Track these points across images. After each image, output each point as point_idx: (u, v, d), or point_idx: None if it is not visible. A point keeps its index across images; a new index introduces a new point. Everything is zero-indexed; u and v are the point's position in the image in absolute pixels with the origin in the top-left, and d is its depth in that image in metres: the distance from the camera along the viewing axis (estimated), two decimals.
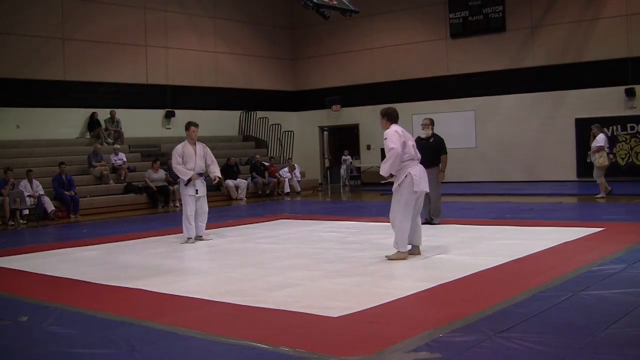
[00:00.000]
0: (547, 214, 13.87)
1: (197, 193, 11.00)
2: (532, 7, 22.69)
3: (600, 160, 16.30)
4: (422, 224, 11.83)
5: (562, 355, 4.55)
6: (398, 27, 25.59)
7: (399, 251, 8.55)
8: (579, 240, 9.63)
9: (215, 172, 11.44)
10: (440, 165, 12.02)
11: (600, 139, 16.46)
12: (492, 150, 23.35)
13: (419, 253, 8.78)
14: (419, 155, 8.79)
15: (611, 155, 16.80)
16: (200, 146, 11.37)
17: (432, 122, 12.30)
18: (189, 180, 10.95)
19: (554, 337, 4.95)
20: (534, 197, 17.81)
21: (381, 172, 8.76)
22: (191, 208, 10.95)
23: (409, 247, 8.63)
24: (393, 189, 8.72)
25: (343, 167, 26.21)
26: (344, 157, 26.35)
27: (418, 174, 8.53)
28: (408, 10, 25.21)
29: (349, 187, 25.52)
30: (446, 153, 12.13)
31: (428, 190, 8.86)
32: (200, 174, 11.13)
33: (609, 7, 21.41)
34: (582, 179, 21.48)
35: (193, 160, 11.14)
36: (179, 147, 11.26)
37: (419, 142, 12.26)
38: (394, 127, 8.63)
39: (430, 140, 12.12)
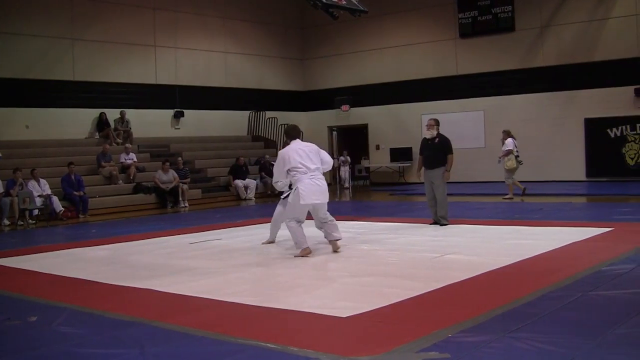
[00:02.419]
0: (556, 213, 13.84)
1: None
2: (541, 6, 22.63)
3: (508, 163, 17.40)
4: (431, 224, 11.92)
5: (571, 356, 4.53)
6: (407, 27, 25.58)
7: (300, 249, 9.17)
8: (588, 240, 9.61)
9: None
10: (446, 165, 11.99)
11: (509, 143, 17.53)
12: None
13: (336, 248, 9.42)
14: (317, 165, 9.17)
15: (519, 158, 17.58)
16: None
17: (437, 123, 12.27)
18: None
19: (563, 337, 4.94)
20: (543, 197, 17.77)
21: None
22: None
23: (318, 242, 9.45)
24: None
25: (342, 170, 25.37)
26: (342, 158, 25.55)
27: (306, 188, 9.04)
28: (417, 10, 25.19)
29: (349, 190, 24.62)
30: (452, 153, 12.09)
31: (318, 202, 9.18)
32: None
33: (619, 6, 21.34)
34: (591, 179, 21.44)
35: None
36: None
37: (425, 142, 12.30)
38: (285, 150, 9.40)
39: (436, 141, 12.10)
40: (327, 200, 9.36)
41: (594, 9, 21.71)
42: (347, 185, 25.33)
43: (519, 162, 17.53)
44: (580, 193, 18.45)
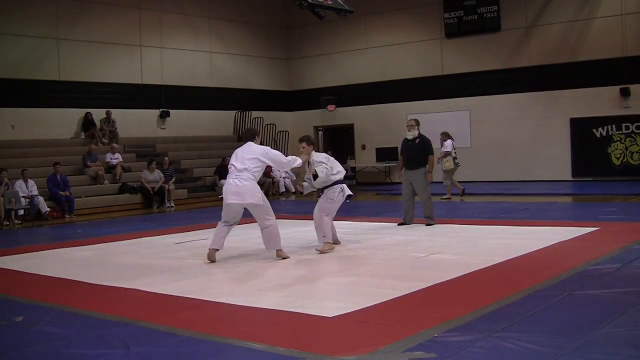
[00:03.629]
0: (542, 213, 13.89)
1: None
2: (527, 6, 22.70)
3: (446, 164, 18.00)
4: (399, 224, 11.95)
5: (557, 355, 4.55)
6: (393, 26, 25.59)
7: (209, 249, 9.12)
8: (574, 240, 9.65)
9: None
10: (427, 165, 12.00)
11: (447, 145, 18.14)
12: (487, 150, 23.35)
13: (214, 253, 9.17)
14: (245, 166, 9.08)
15: (457, 160, 18.08)
16: None
17: (417, 123, 12.27)
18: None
19: (549, 336, 4.96)
20: (528, 196, 17.84)
21: None
22: None
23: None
24: None
25: None
26: None
27: (225, 188, 9.13)
28: (403, 10, 25.21)
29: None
30: (433, 153, 12.11)
31: (234, 202, 8.99)
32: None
33: (604, 6, 21.43)
34: (577, 179, 21.53)
35: None
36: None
37: (405, 143, 12.30)
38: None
39: (417, 141, 12.09)
40: (248, 202, 8.90)
41: (579, 9, 21.80)
42: None
43: (457, 164, 18.04)
44: (566, 193, 18.53)
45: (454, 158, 17.93)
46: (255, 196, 8.92)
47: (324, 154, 9.97)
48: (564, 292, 6.35)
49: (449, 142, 18.15)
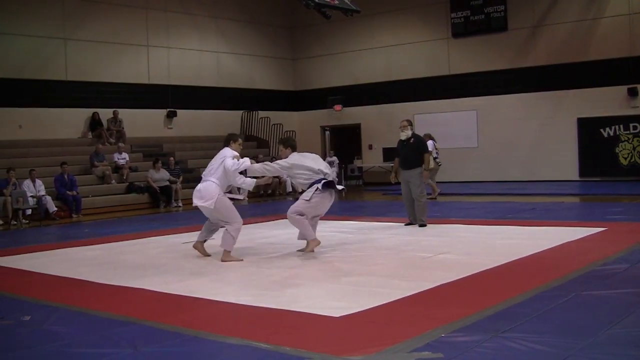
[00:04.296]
0: (548, 213, 13.86)
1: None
2: (534, 6, 22.67)
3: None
4: (406, 224, 11.94)
5: (564, 356, 4.54)
6: (399, 26, 25.59)
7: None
8: (581, 240, 9.62)
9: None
10: (423, 165, 12.00)
11: (429, 145, 17.92)
12: (494, 150, 23.32)
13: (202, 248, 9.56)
14: (209, 170, 9.21)
15: (438, 160, 18.30)
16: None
17: (410, 123, 12.31)
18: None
19: (556, 337, 4.95)
20: (535, 196, 17.81)
21: None
22: None
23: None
24: None
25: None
26: (328, 159, 24.42)
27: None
28: (409, 9, 25.20)
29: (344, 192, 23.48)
30: (428, 152, 12.14)
31: (196, 204, 9.13)
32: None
33: (612, 6, 21.39)
34: (584, 179, 21.47)
35: None
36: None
37: (400, 143, 12.32)
38: None
39: (411, 141, 12.10)
40: (205, 205, 8.98)
41: (586, 9, 21.76)
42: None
43: (438, 164, 18.22)
44: (573, 193, 18.50)
45: (435, 158, 18.02)
46: (207, 200, 8.95)
47: (296, 155, 9.67)
48: (570, 292, 6.33)
49: (430, 142, 18.13)
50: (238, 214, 9.17)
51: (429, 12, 24.79)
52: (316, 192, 9.33)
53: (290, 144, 9.86)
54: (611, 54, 21.24)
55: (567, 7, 22.13)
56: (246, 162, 9.21)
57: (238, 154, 9.25)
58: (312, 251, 9.44)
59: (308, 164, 9.49)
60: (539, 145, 22.48)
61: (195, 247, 9.53)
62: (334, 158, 24.70)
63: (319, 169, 9.45)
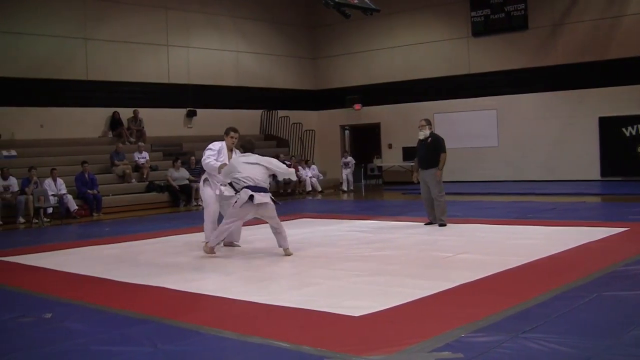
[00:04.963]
0: (569, 213, 13.75)
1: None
2: (554, 4, 22.51)
3: None
4: (426, 224, 11.90)
5: (585, 357, 4.51)
6: (419, 25, 25.52)
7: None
8: (602, 241, 9.55)
9: None
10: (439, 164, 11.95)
11: None
12: (514, 149, 23.21)
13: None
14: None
15: None
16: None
17: (428, 123, 12.25)
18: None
19: (577, 338, 4.91)
20: (556, 196, 17.68)
21: None
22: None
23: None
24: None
25: (346, 172, 24.19)
26: (344, 160, 24.49)
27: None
28: (429, 8, 25.12)
29: (346, 194, 23.17)
30: (445, 151, 12.02)
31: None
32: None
33: (633, 4, 21.19)
34: (606, 179, 21.30)
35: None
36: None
37: (419, 143, 12.29)
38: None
39: (428, 140, 12.05)
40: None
41: (607, 7, 21.57)
42: (347, 188, 23.96)
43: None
44: (594, 192, 18.34)
45: None
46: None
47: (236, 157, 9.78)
48: (592, 293, 6.28)
49: None
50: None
51: (448, 10, 24.70)
52: (237, 199, 9.18)
53: (249, 147, 9.82)
54: (633, 52, 21.02)
55: (588, 5, 21.95)
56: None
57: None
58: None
59: (239, 168, 9.27)
60: (560, 144, 22.33)
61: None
62: (349, 159, 24.63)
63: (245, 176, 9.14)
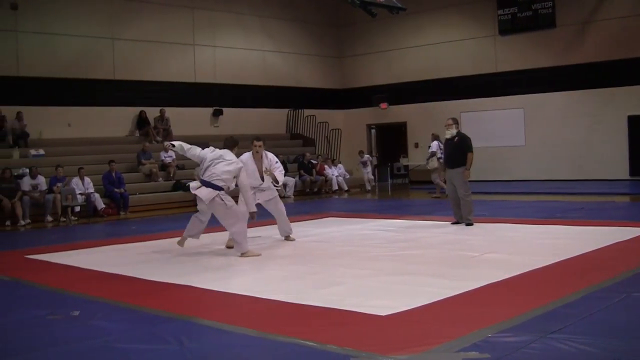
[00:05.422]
0: (598, 213, 13.62)
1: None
2: (582, 2, 22.31)
3: (430, 163, 19.05)
4: (453, 223, 11.83)
5: (614, 358, 4.46)
6: (445, 24, 25.42)
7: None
8: (631, 240, 9.45)
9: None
10: (466, 164, 11.85)
11: (433, 146, 18.91)
12: (541, 148, 23.04)
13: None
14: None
15: (442, 160, 17.42)
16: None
17: (455, 122, 12.16)
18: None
19: (605, 339, 4.86)
20: (584, 196, 17.50)
21: None
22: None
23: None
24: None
25: (365, 170, 23.89)
26: (360, 159, 24.08)
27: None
28: (456, 7, 25.01)
29: (371, 194, 22.98)
30: (471, 151, 11.92)
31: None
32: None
33: None
34: (635, 178, 21.07)
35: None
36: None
37: (445, 142, 12.25)
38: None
39: (455, 140, 11.97)
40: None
41: (636, 3, 21.34)
42: (369, 187, 23.78)
43: (441, 163, 17.92)
44: (623, 192, 18.17)
45: (439, 158, 18.03)
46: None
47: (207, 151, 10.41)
48: (621, 293, 6.21)
49: (435, 142, 18.79)
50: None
51: (475, 9, 24.58)
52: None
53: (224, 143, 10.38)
54: None
55: (616, 1, 21.74)
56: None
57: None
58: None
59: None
60: (588, 143, 22.14)
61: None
62: (366, 157, 24.36)
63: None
